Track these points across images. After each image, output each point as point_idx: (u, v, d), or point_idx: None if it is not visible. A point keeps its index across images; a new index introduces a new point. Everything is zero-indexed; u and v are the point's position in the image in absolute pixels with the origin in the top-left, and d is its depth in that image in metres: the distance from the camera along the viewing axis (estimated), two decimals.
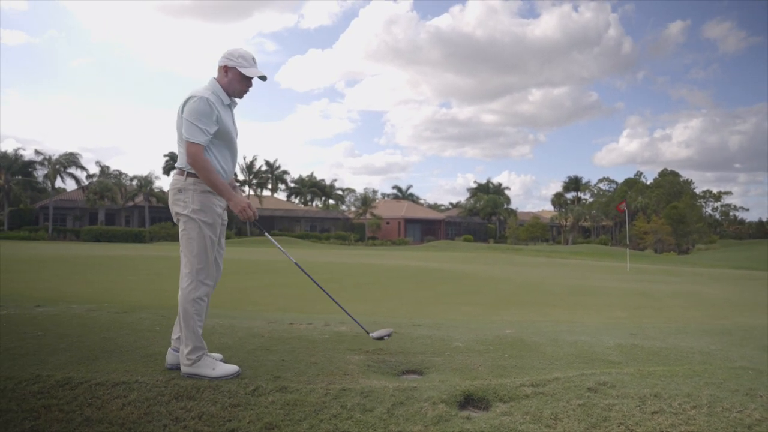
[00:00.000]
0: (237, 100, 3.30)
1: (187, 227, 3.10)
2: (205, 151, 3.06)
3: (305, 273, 3.67)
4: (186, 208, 3.09)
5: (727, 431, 2.36)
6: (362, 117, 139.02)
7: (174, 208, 3.15)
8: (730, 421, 2.46)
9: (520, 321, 6.74)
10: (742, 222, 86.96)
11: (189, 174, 3.09)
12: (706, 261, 36.55)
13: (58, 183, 49.58)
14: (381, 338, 3.73)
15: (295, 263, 3.66)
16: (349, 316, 3.81)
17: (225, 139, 3.18)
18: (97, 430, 2.42)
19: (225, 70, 3.19)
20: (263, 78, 3.26)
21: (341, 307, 3.79)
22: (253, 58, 3.24)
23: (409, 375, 3.24)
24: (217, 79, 3.21)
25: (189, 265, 3.10)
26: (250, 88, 3.29)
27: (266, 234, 3.62)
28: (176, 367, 3.15)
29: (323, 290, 3.78)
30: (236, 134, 3.33)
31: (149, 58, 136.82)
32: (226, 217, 3.35)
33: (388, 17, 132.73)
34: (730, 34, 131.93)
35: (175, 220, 3.22)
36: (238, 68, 3.17)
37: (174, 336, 3.26)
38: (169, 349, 3.26)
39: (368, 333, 3.71)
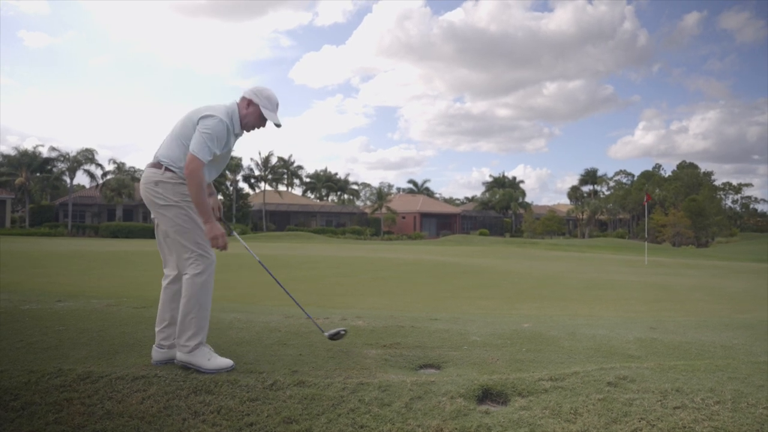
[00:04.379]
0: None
1: (176, 216, 3.09)
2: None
3: (265, 268, 3.69)
4: (166, 200, 3.09)
5: (753, 427, 2.30)
6: (377, 112, 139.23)
7: (155, 200, 3.11)
8: (756, 417, 2.40)
9: (538, 315, 6.70)
10: (763, 214, 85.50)
11: (168, 169, 3.10)
12: (725, 254, 36.02)
13: (75, 180, 50.26)
14: (335, 336, 3.59)
15: (259, 261, 3.68)
16: (305, 313, 3.88)
17: (219, 162, 3.26)
18: (118, 423, 2.45)
19: (248, 103, 3.26)
20: (278, 125, 3.34)
21: (297, 303, 3.82)
22: (277, 104, 3.32)
23: (426, 369, 3.23)
24: (239, 106, 3.27)
25: (188, 252, 3.09)
26: (261, 129, 3.35)
27: (234, 234, 3.59)
28: (163, 364, 3.14)
29: (280, 285, 3.78)
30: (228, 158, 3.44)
31: (166, 56, 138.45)
32: None
33: (401, 13, 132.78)
34: (747, 23, 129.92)
35: (153, 215, 3.20)
36: (260, 108, 3.25)
37: (157, 329, 3.22)
38: (154, 346, 3.21)
39: (323, 332, 3.65)
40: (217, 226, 3.12)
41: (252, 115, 3.26)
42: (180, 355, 3.06)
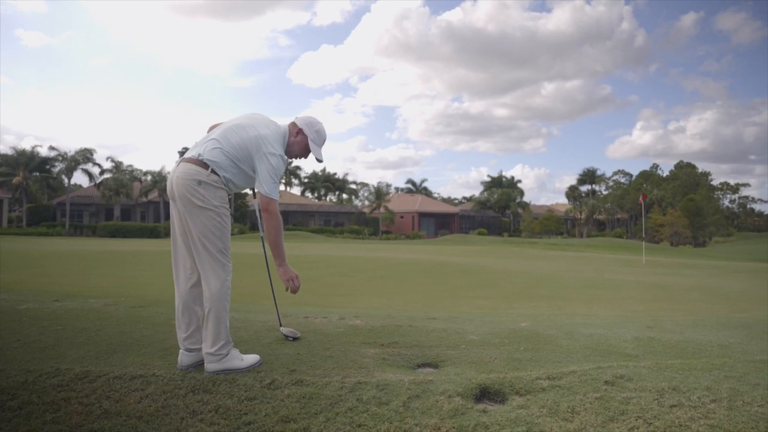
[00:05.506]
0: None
1: (208, 220, 2.98)
2: (278, 189, 3.10)
3: (268, 271, 3.77)
4: (205, 202, 2.98)
5: (748, 425, 2.31)
6: (375, 112, 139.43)
7: (192, 199, 2.96)
8: (752, 415, 2.41)
9: (536, 314, 6.71)
10: (760, 214, 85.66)
11: (214, 171, 3.00)
12: (723, 254, 36.10)
13: (73, 179, 50.18)
14: (286, 337, 3.84)
15: (267, 264, 3.72)
16: (276, 308, 4.05)
17: (248, 179, 3.22)
18: (116, 422, 2.44)
19: (298, 131, 3.29)
20: (319, 161, 3.40)
21: (275, 300, 3.98)
22: (324, 139, 3.39)
23: (424, 368, 3.23)
24: (289, 131, 3.29)
25: (212, 258, 3.00)
26: (302, 159, 3.41)
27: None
28: (193, 368, 3.07)
29: (272, 287, 3.85)
30: None
31: (165, 56, 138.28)
32: None
33: (400, 12, 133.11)
34: (744, 24, 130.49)
35: (184, 211, 3.02)
36: (308, 140, 3.29)
37: (184, 335, 3.12)
38: (181, 351, 3.12)
39: (280, 325, 3.99)
40: (291, 269, 3.23)
41: (298, 144, 3.28)
42: (213, 366, 2.97)
